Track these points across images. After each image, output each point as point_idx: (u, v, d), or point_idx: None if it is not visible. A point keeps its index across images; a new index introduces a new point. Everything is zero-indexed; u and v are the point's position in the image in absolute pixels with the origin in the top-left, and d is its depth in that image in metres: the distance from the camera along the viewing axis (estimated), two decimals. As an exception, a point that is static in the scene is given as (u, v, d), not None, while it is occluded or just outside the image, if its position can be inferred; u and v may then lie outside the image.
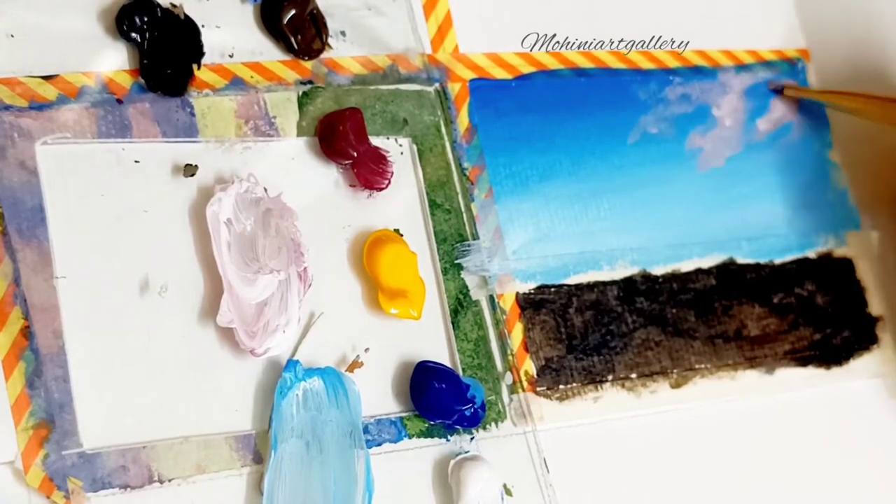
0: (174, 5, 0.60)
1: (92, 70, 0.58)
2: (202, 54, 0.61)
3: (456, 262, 0.65)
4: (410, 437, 0.61)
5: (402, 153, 0.65)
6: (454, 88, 0.67)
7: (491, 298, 0.65)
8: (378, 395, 0.61)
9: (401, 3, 0.67)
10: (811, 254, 0.77)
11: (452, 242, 0.65)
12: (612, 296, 0.69)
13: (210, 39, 0.61)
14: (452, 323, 0.64)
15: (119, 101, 0.58)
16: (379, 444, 0.60)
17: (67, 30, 0.58)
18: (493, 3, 0.70)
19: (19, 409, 0.53)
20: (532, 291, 0.67)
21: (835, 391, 0.75)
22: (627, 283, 0.70)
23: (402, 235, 0.64)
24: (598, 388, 0.67)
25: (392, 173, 0.63)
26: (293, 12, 0.63)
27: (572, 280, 0.68)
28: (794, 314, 0.75)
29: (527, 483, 0.63)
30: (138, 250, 0.57)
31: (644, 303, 0.70)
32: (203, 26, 0.61)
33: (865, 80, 0.80)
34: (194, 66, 0.60)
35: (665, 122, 0.74)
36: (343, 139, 0.62)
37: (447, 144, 0.66)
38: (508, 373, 0.64)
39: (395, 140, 0.65)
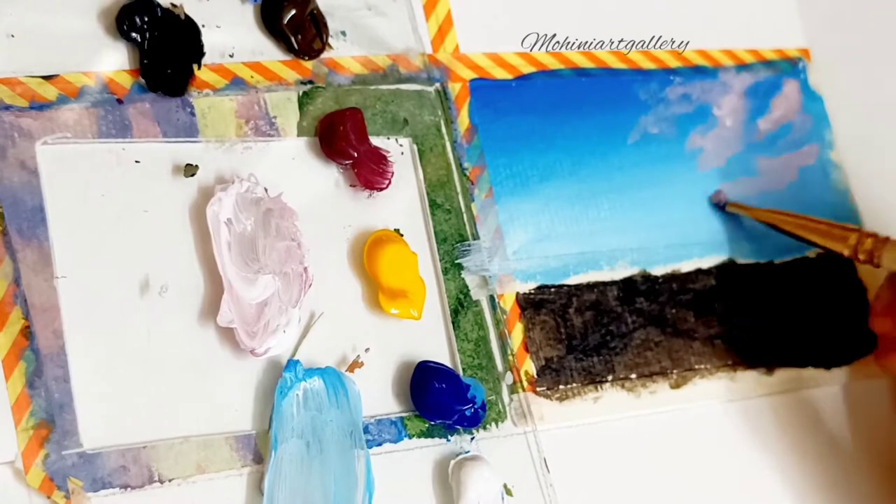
0: (174, 5, 0.60)
1: (92, 70, 0.58)
2: (202, 54, 0.61)
3: (456, 262, 0.65)
4: (411, 437, 0.61)
5: (402, 153, 0.65)
6: (454, 88, 0.67)
7: (491, 298, 0.65)
8: (378, 395, 0.61)
9: (401, 3, 0.67)
10: (811, 254, 0.77)
11: (453, 242, 0.65)
12: (612, 296, 0.69)
13: (210, 39, 0.61)
14: (453, 323, 0.64)
15: (119, 101, 0.58)
16: (379, 444, 0.60)
17: (67, 30, 0.58)
18: (493, 3, 0.70)
19: (19, 409, 0.53)
20: (532, 291, 0.67)
21: (835, 392, 0.75)
22: (627, 283, 0.70)
23: (402, 235, 0.64)
24: (598, 388, 0.67)
25: (392, 173, 0.63)
26: (293, 12, 0.63)
27: (572, 280, 0.68)
28: (794, 315, 0.75)
29: (527, 483, 0.63)
30: (138, 250, 0.57)
31: (644, 303, 0.70)
32: (203, 26, 0.61)
33: (866, 79, 0.80)
34: (194, 66, 0.60)
35: (665, 121, 0.74)
36: (343, 139, 0.62)
37: (447, 144, 0.66)
38: (509, 373, 0.64)
39: (396, 140, 0.65)
